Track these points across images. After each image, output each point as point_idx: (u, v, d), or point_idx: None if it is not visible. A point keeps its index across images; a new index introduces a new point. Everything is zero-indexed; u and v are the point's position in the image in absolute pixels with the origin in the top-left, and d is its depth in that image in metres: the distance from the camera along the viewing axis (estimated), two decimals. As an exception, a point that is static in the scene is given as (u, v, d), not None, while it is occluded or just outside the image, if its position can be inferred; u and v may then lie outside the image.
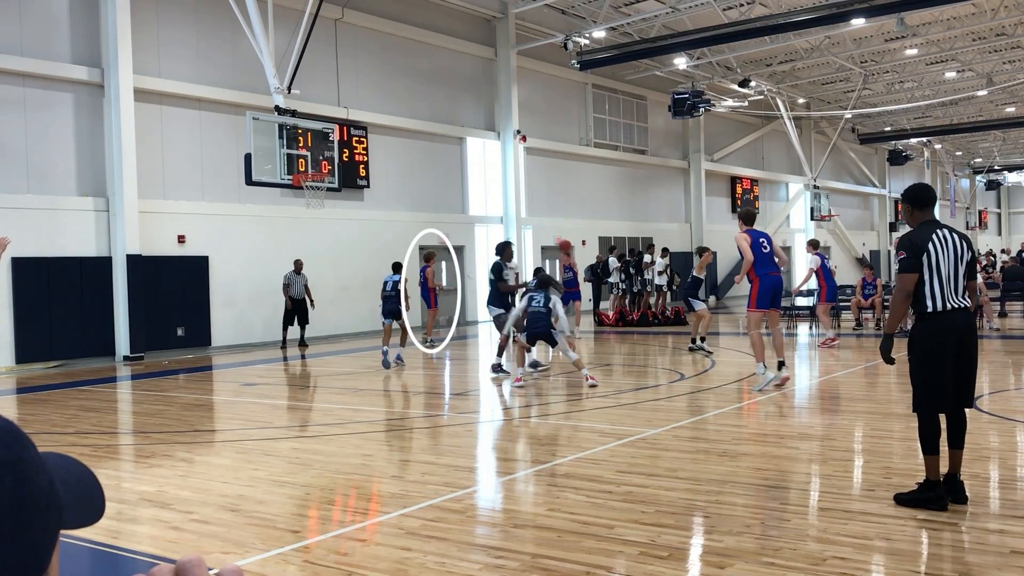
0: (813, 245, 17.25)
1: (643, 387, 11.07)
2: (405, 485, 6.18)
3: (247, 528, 5.20)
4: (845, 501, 5.40)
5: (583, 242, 27.27)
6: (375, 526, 5.23)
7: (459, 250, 23.38)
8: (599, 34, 23.89)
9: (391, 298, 13.72)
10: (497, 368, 11.98)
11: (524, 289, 12.14)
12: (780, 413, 9.00)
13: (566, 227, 26.75)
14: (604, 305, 23.22)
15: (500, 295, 12.41)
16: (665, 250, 23.02)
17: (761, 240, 10.03)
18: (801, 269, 39.94)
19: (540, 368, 12.34)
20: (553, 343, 11.18)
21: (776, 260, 10.11)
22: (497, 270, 12.42)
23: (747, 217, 10.40)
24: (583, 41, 23.23)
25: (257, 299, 18.38)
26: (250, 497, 5.89)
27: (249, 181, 14.33)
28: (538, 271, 12.13)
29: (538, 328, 11.04)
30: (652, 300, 22.07)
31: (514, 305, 12.08)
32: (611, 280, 22.44)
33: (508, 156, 24.59)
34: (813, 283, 16.85)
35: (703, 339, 14.71)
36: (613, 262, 22.40)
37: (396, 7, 21.63)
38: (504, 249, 12.65)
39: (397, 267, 14.53)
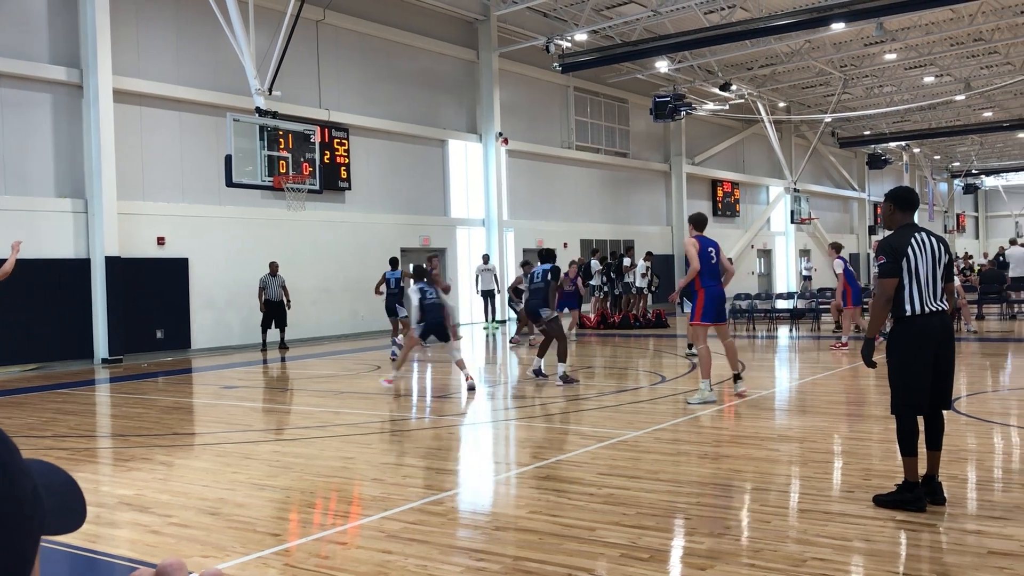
0: (836, 248, 16.41)
1: (624, 389, 11.10)
2: (386, 488, 6.16)
3: (227, 531, 5.17)
4: (825, 503, 5.43)
5: (564, 244, 27.31)
6: (356, 529, 5.21)
7: (441, 252, 23.37)
8: (581, 37, 23.96)
9: (393, 295, 14.34)
10: (537, 373, 11.75)
11: (411, 282, 11.70)
12: (760, 415, 9.04)
13: (548, 230, 26.80)
14: (585, 308, 23.25)
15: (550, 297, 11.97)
16: (649, 254, 23.14)
17: (710, 249, 9.52)
18: (782, 275, 40.22)
19: (541, 376, 11.75)
20: (446, 338, 11.12)
21: (722, 273, 9.63)
22: (556, 273, 12.09)
23: (698, 222, 9.85)
24: (565, 44, 23.29)
25: (237, 301, 18.28)
26: (230, 500, 5.85)
27: (229, 183, 14.26)
28: (418, 267, 11.74)
29: (432, 320, 10.94)
30: (633, 303, 22.13)
31: (546, 306, 11.64)
32: (593, 283, 22.48)
33: (490, 158, 24.61)
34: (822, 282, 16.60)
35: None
36: (595, 265, 22.44)
37: (378, 9, 21.61)
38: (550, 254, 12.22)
39: (394, 263, 14.85)
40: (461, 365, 11.06)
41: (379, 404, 10.31)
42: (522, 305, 15.80)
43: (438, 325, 11.02)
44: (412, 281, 11.17)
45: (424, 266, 11.83)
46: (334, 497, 6.08)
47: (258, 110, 14.46)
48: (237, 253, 18.33)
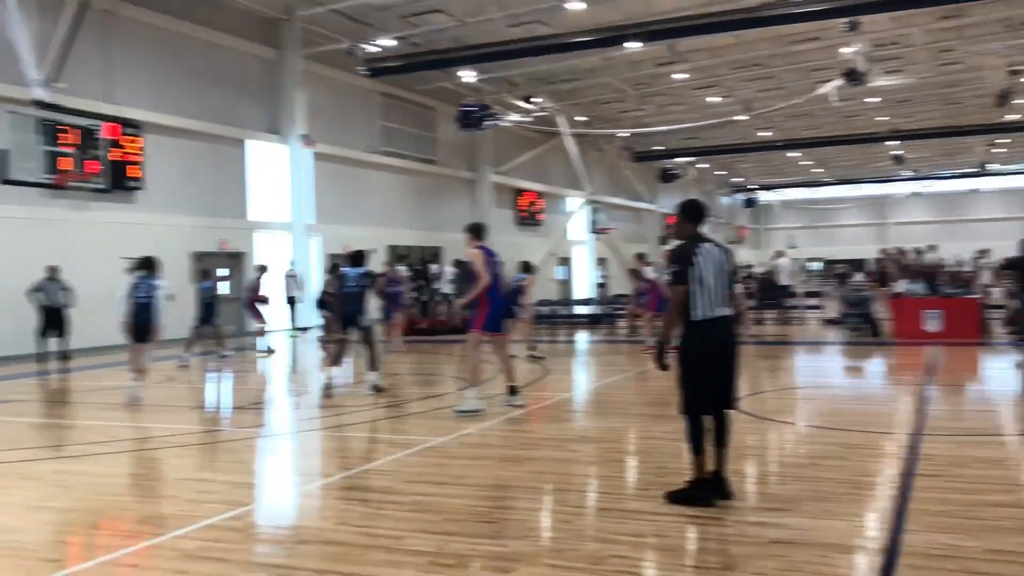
0: (642, 259, 17.18)
1: (431, 396, 11.12)
2: (181, 505, 5.86)
3: (-1, 560, 4.74)
4: (622, 501, 5.68)
5: (373, 251, 27.07)
6: (148, 550, 4.91)
7: (240, 257, 22.54)
8: (388, 43, 23.85)
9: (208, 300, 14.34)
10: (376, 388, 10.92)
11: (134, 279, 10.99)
12: (562, 417, 9.32)
13: (355, 235, 26.43)
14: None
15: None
16: (458, 261, 23.37)
17: (493, 259, 9.13)
18: (581, 283, 41.65)
19: (380, 391, 10.97)
20: (143, 339, 10.65)
21: (502, 282, 9.33)
22: (372, 277, 11.54)
23: (478, 230, 9.28)
24: (372, 48, 23.09)
25: (15, 308, 16.73)
26: (1, 525, 5.37)
27: (4, 180, 13.13)
28: (144, 259, 10.91)
29: (134, 318, 10.55)
30: (441, 309, 22.26)
31: (363, 312, 11.07)
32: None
33: (294, 161, 24.01)
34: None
35: (532, 347, 14.80)
36: (403, 272, 22.40)
37: (174, 2, 20.58)
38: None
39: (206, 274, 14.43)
40: (139, 371, 10.49)
41: (172, 416, 9.79)
42: (328, 312, 15.44)
43: (139, 325, 10.45)
44: (132, 274, 10.43)
45: (152, 260, 10.86)
46: (123, 516, 5.71)
47: (38, 102, 13.40)
48: (13, 255, 16.82)
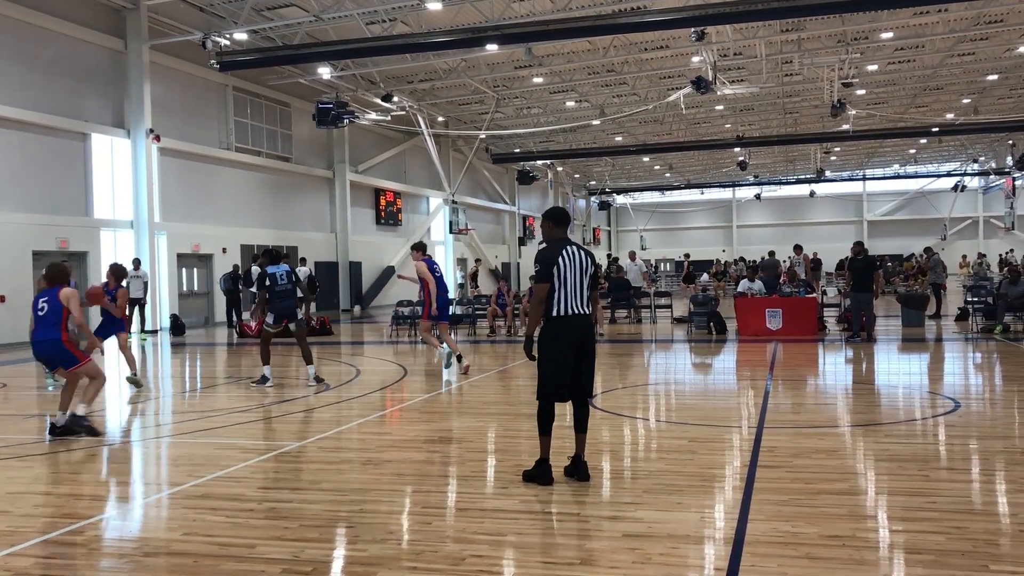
0: (302, 262, 16.73)
1: (287, 399, 10.86)
2: (13, 520, 5.49)
3: None
4: (481, 500, 5.71)
5: (224, 249, 26.21)
6: (-25, 571, 4.58)
7: (82, 256, 21.36)
8: (240, 36, 23.16)
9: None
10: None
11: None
12: (421, 419, 9.29)
13: (206, 234, 25.55)
14: (245, 316, 22.47)
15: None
16: (303, 260, 22.96)
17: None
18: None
19: (320, 381, 11.74)
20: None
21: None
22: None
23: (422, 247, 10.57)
24: (223, 41, 22.36)
25: None
26: None
27: None
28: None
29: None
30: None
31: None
32: (254, 290, 21.80)
33: (140, 156, 22.94)
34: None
35: None
36: (256, 271, 21.76)
37: (6, -16, 19.32)
38: None
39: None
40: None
41: (3, 426, 9.17)
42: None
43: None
44: None
45: None
46: (-53, 536, 5.29)
47: None
48: None
